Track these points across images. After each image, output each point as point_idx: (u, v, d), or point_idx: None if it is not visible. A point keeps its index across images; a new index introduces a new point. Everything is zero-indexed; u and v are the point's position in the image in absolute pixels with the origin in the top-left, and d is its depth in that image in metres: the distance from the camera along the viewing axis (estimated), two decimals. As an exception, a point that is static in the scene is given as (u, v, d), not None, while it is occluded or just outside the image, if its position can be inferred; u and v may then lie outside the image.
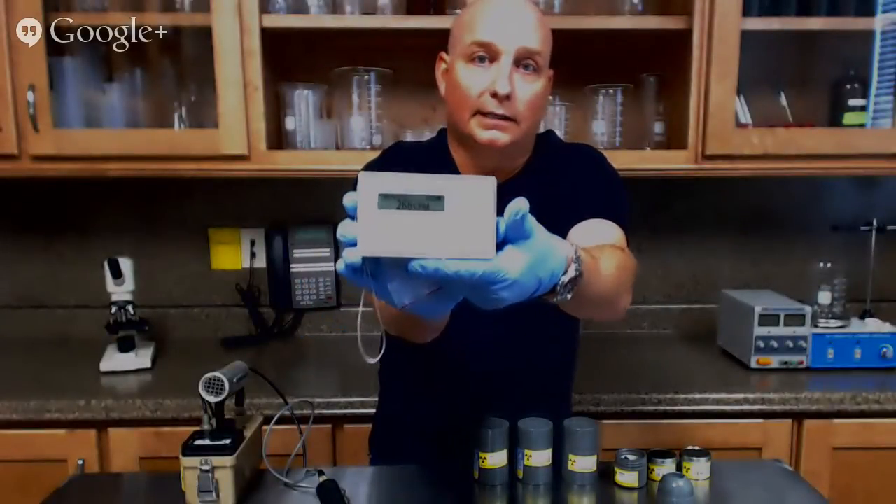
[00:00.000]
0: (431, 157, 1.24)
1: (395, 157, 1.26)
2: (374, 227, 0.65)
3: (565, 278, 0.79)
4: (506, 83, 1.08)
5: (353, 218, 0.67)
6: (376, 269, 0.70)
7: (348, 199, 0.68)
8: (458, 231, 0.66)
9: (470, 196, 0.66)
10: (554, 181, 1.21)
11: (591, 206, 1.15)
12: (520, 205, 0.68)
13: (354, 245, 0.67)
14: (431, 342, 1.04)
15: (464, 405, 1.23)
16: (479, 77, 1.10)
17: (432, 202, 0.65)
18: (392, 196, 0.65)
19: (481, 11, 1.12)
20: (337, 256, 2.05)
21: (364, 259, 0.67)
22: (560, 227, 1.15)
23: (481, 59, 1.10)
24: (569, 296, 0.80)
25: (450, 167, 1.21)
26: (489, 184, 0.67)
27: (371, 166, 1.23)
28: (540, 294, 0.78)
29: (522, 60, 1.10)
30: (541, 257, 0.73)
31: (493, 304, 0.73)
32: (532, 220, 0.71)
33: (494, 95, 1.09)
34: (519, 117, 1.11)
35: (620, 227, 1.15)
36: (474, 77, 1.11)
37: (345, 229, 0.68)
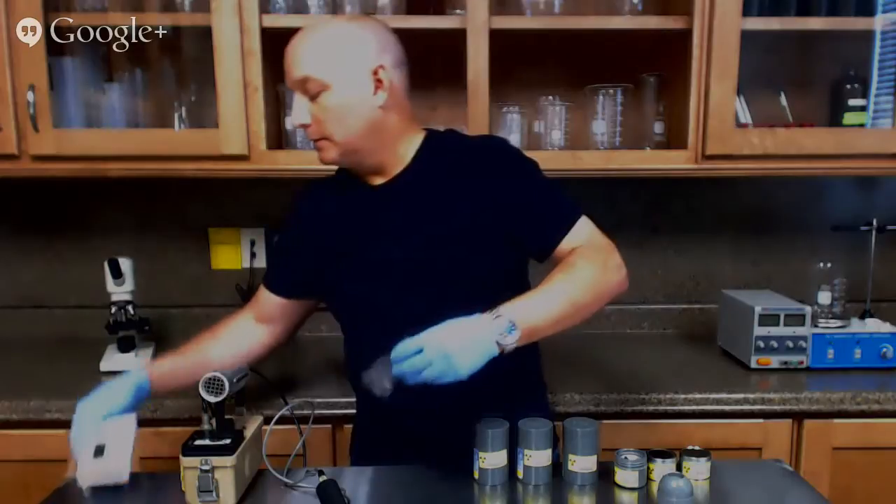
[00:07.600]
0: (339, 177, 1.36)
1: (304, 202, 1.42)
2: None
3: (503, 340, 1.02)
4: (297, 115, 1.22)
5: None
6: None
7: None
8: None
9: None
10: (445, 178, 1.24)
11: (536, 220, 1.21)
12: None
13: None
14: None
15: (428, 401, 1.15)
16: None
17: None
18: None
19: None
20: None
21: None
22: (458, 218, 1.21)
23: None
24: (512, 345, 1.03)
25: (348, 176, 1.32)
26: None
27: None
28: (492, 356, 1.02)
29: (303, 88, 1.20)
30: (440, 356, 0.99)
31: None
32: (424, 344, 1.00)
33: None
34: (328, 135, 1.21)
35: (575, 220, 1.20)
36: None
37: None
